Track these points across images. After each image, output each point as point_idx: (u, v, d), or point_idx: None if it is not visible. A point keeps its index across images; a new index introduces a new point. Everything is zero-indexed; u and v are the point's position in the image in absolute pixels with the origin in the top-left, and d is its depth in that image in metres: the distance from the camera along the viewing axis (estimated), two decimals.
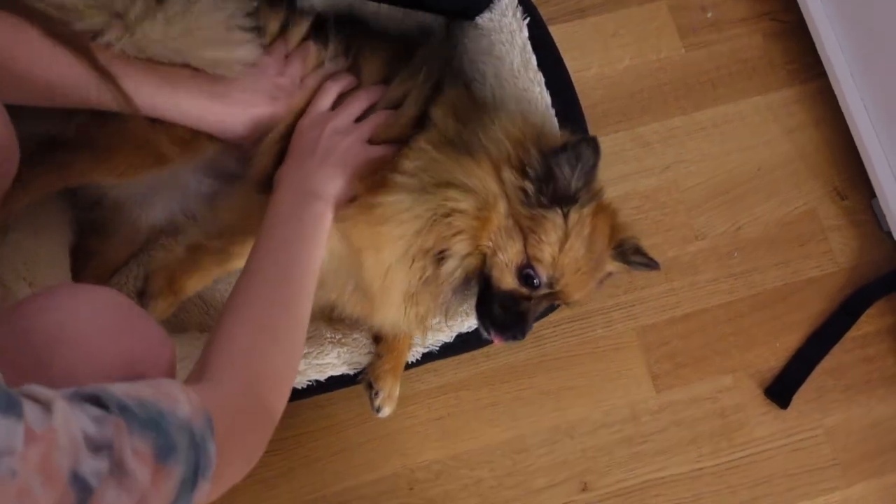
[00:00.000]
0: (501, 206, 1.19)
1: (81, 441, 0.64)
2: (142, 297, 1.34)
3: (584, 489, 1.65)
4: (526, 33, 1.51)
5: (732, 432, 1.70)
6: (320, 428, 1.64)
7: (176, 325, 1.55)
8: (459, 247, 1.21)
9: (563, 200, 1.18)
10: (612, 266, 1.33)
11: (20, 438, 0.58)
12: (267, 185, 1.32)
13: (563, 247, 1.18)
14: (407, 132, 1.32)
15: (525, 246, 1.19)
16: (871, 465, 1.71)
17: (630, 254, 1.32)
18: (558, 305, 1.38)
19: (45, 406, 0.63)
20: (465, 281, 1.27)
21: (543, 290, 1.23)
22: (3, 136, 1.05)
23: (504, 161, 1.20)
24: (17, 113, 1.08)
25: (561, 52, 1.58)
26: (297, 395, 1.45)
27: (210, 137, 1.32)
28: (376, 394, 1.44)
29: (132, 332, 0.94)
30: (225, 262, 1.35)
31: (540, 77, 1.49)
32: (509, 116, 1.30)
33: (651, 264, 1.34)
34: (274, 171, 1.32)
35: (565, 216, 1.18)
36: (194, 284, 1.36)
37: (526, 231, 1.18)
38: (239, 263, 1.32)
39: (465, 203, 1.18)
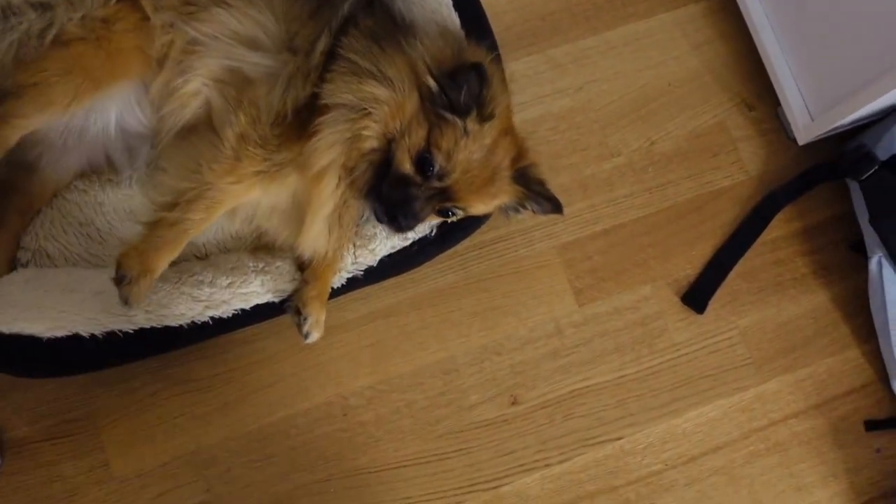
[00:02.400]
0: (415, 97, 1.31)
1: None
2: (120, 283, 1.34)
3: (514, 402, 1.71)
4: None
5: (653, 339, 1.78)
6: (252, 362, 1.65)
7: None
8: (371, 129, 1.32)
9: (458, 111, 1.30)
10: (512, 190, 1.42)
11: None
12: None
13: (458, 144, 1.30)
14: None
15: (428, 134, 1.31)
16: (783, 361, 1.80)
17: (533, 183, 1.43)
18: (450, 214, 1.42)
19: None
20: (371, 184, 1.36)
21: (435, 182, 1.33)
22: None
23: (420, 61, 1.32)
24: None
25: None
26: (224, 325, 1.47)
27: (137, 63, 1.40)
28: (304, 319, 1.46)
29: None
30: (186, 230, 1.37)
31: None
32: (427, 32, 1.40)
33: (554, 201, 1.44)
34: None
35: (463, 122, 1.30)
36: (164, 258, 1.38)
37: (432, 123, 1.31)
38: (200, 228, 1.37)
39: (381, 91, 1.31)
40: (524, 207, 1.47)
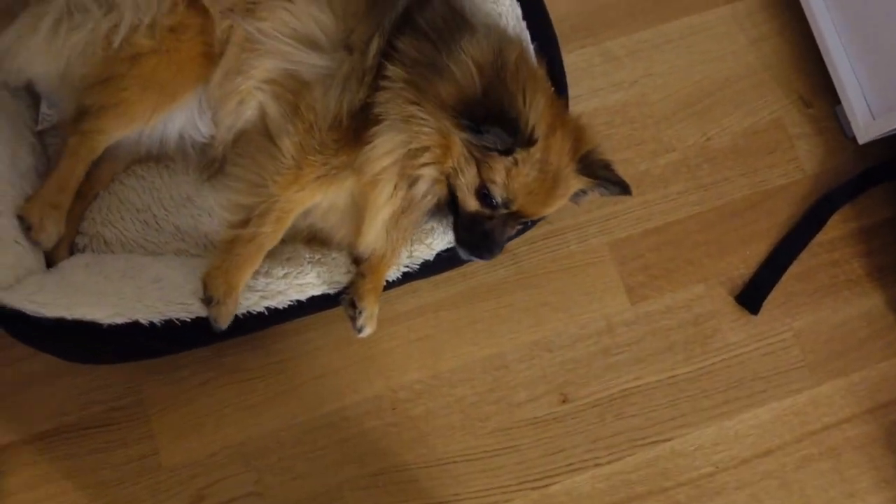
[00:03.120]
0: (457, 137, 1.29)
1: None
2: (209, 304, 1.38)
3: (564, 401, 1.69)
4: None
5: (706, 339, 1.75)
6: (303, 353, 1.64)
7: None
8: (427, 172, 1.32)
9: (498, 150, 1.28)
10: (579, 182, 1.40)
11: None
12: None
13: (510, 174, 1.29)
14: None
15: (479, 170, 1.30)
16: (837, 364, 1.77)
17: (598, 168, 1.40)
18: (531, 223, 1.41)
19: None
20: (438, 207, 1.37)
21: (502, 210, 1.33)
22: None
23: (454, 98, 1.28)
24: None
25: None
26: (279, 315, 1.45)
27: (203, 68, 1.42)
28: (359, 313, 1.45)
29: None
30: (263, 244, 1.40)
31: None
32: (473, 39, 1.34)
33: (622, 184, 1.41)
34: None
35: (508, 156, 1.29)
36: (246, 274, 1.41)
37: (478, 159, 1.30)
38: (276, 239, 1.41)
39: (427, 137, 1.29)
40: (592, 192, 1.45)
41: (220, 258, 1.39)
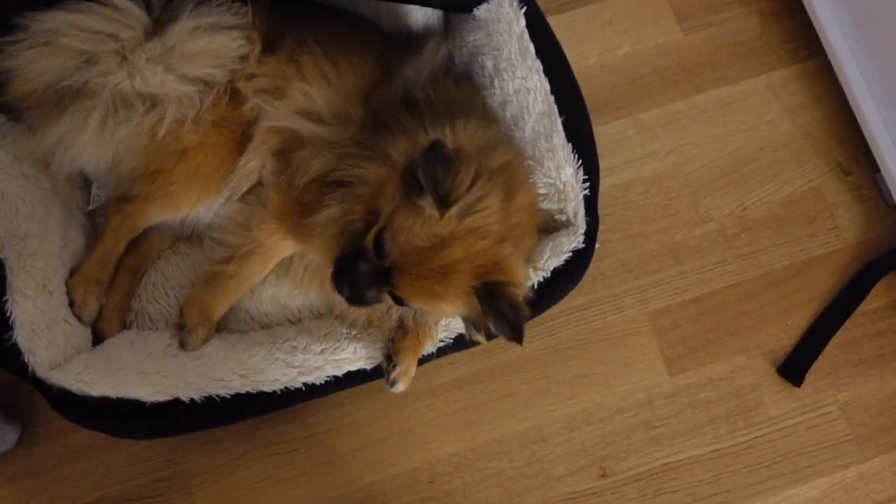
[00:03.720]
0: (395, 175, 1.26)
1: None
2: (181, 330, 1.49)
3: (604, 475, 1.66)
4: (523, 22, 1.52)
5: (748, 412, 1.71)
6: (340, 426, 1.65)
7: None
8: (355, 213, 1.31)
9: (416, 191, 1.21)
10: (466, 301, 1.25)
11: None
12: None
13: (405, 224, 1.21)
14: None
15: (392, 214, 1.23)
16: (888, 438, 1.72)
17: (499, 301, 1.23)
18: (404, 302, 1.30)
19: None
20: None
21: (382, 262, 1.24)
22: None
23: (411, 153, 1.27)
24: None
25: (560, 42, 1.59)
26: (315, 391, 1.47)
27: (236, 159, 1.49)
28: (394, 366, 1.44)
29: None
30: (243, 282, 1.51)
31: (538, 65, 1.51)
32: (468, 124, 1.34)
33: (514, 330, 1.24)
34: None
35: (421, 204, 1.21)
36: (222, 307, 1.53)
37: (400, 203, 1.23)
38: (256, 280, 1.51)
39: (369, 170, 1.30)
40: (482, 327, 1.30)
41: (200, 289, 1.50)
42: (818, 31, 1.87)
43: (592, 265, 1.73)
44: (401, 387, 1.47)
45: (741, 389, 1.73)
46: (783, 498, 1.67)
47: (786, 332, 1.77)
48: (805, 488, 1.67)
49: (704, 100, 1.91)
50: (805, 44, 1.94)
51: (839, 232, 1.83)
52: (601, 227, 1.75)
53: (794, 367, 1.74)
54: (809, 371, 1.74)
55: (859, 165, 1.87)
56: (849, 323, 1.77)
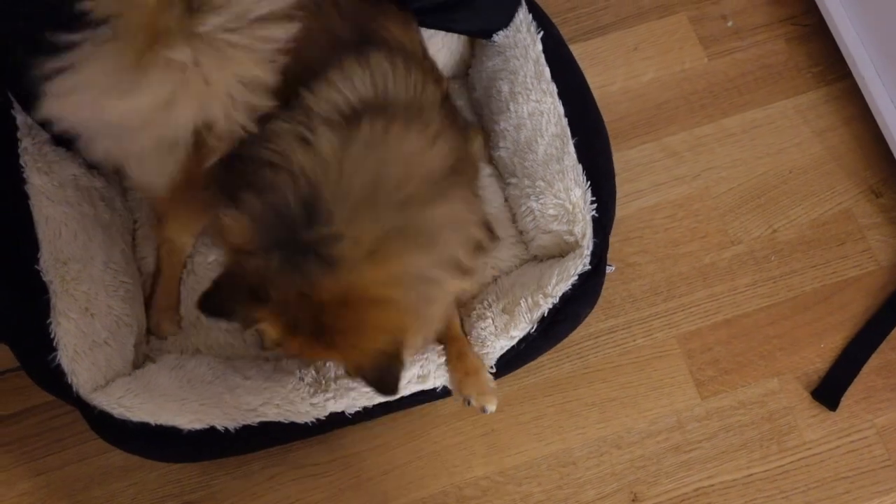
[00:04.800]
0: None
1: None
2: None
3: (635, 500, 1.64)
4: (540, 47, 1.56)
5: (782, 436, 1.69)
6: (368, 448, 1.66)
7: None
8: None
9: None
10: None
11: None
12: None
13: None
14: None
15: None
16: None
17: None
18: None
19: None
20: None
21: None
22: None
23: None
24: None
25: (584, 69, 1.62)
26: (346, 422, 1.48)
27: None
28: (468, 402, 1.45)
29: None
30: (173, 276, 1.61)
31: (553, 88, 1.54)
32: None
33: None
34: None
35: None
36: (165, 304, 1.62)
37: None
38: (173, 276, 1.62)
39: None
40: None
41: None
42: (844, 54, 1.87)
43: (620, 288, 1.75)
44: (491, 408, 1.44)
45: (774, 413, 1.70)
46: None
47: (819, 356, 1.74)
48: None
49: (731, 124, 1.91)
50: (832, 67, 1.94)
51: (872, 254, 1.81)
52: (630, 249, 1.78)
53: (828, 391, 1.71)
54: (844, 395, 1.71)
55: (890, 187, 1.86)
56: (884, 346, 1.74)
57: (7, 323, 1.42)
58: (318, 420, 1.45)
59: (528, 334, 1.50)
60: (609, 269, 1.54)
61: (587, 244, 1.46)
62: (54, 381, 1.39)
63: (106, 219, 1.58)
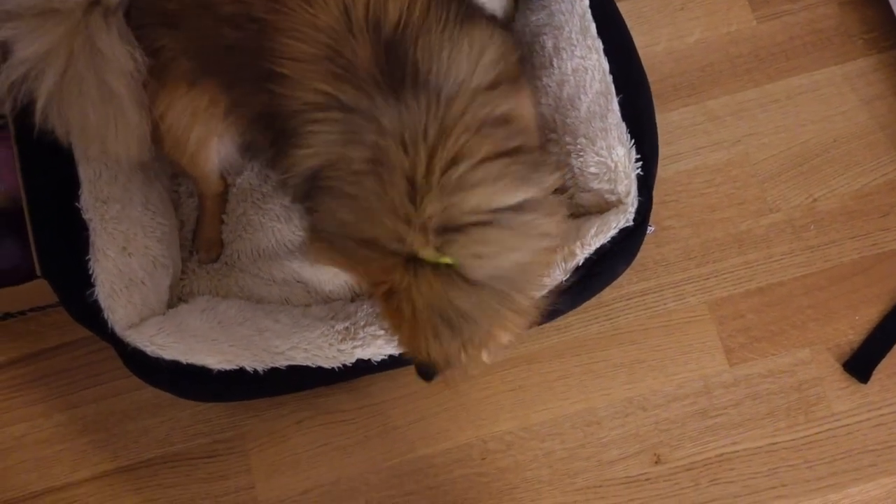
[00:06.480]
0: None
1: None
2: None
3: (657, 462, 1.65)
4: (586, 2, 1.53)
5: (810, 407, 1.67)
6: (396, 397, 1.68)
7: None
8: None
9: None
10: None
11: None
12: None
13: None
14: None
15: None
16: None
17: None
18: None
19: None
20: None
21: None
22: None
23: None
24: None
25: (629, 28, 1.59)
26: (372, 370, 1.50)
27: None
28: None
29: None
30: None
31: (599, 44, 1.51)
32: None
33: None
34: None
35: None
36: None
37: None
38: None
39: None
40: None
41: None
42: None
43: (654, 251, 1.74)
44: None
45: (804, 383, 1.69)
46: (845, 495, 1.62)
47: (853, 328, 1.72)
48: (868, 486, 1.63)
49: (776, 89, 1.87)
50: (886, 33, 1.88)
51: None
52: (665, 213, 1.76)
53: (861, 363, 1.69)
54: (877, 368, 1.69)
55: None
56: None
57: (48, 258, 1.45)
58: (344, 366, 1.47)
59: (560, 284, 1.49)
60: (649, 231, 1.53)
61: (631, 201, 1.45)
62: (91, 316, 1.43)
63: (145, 161, 1.60)
